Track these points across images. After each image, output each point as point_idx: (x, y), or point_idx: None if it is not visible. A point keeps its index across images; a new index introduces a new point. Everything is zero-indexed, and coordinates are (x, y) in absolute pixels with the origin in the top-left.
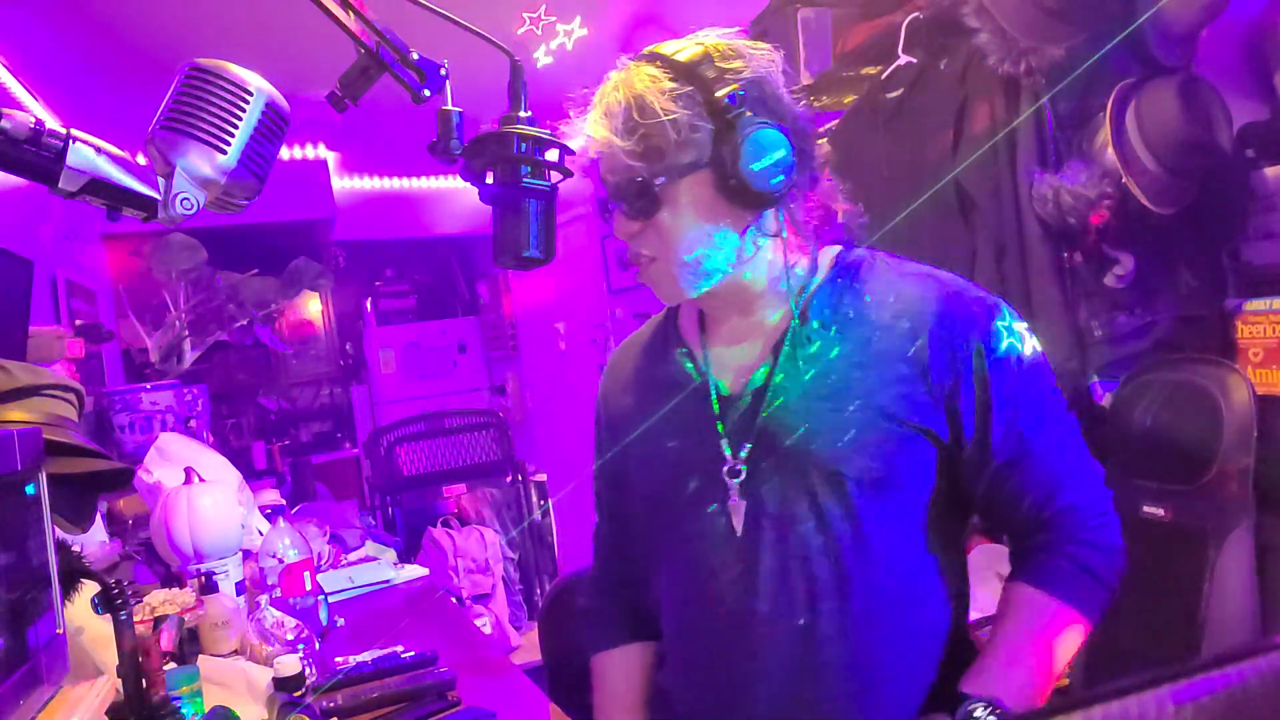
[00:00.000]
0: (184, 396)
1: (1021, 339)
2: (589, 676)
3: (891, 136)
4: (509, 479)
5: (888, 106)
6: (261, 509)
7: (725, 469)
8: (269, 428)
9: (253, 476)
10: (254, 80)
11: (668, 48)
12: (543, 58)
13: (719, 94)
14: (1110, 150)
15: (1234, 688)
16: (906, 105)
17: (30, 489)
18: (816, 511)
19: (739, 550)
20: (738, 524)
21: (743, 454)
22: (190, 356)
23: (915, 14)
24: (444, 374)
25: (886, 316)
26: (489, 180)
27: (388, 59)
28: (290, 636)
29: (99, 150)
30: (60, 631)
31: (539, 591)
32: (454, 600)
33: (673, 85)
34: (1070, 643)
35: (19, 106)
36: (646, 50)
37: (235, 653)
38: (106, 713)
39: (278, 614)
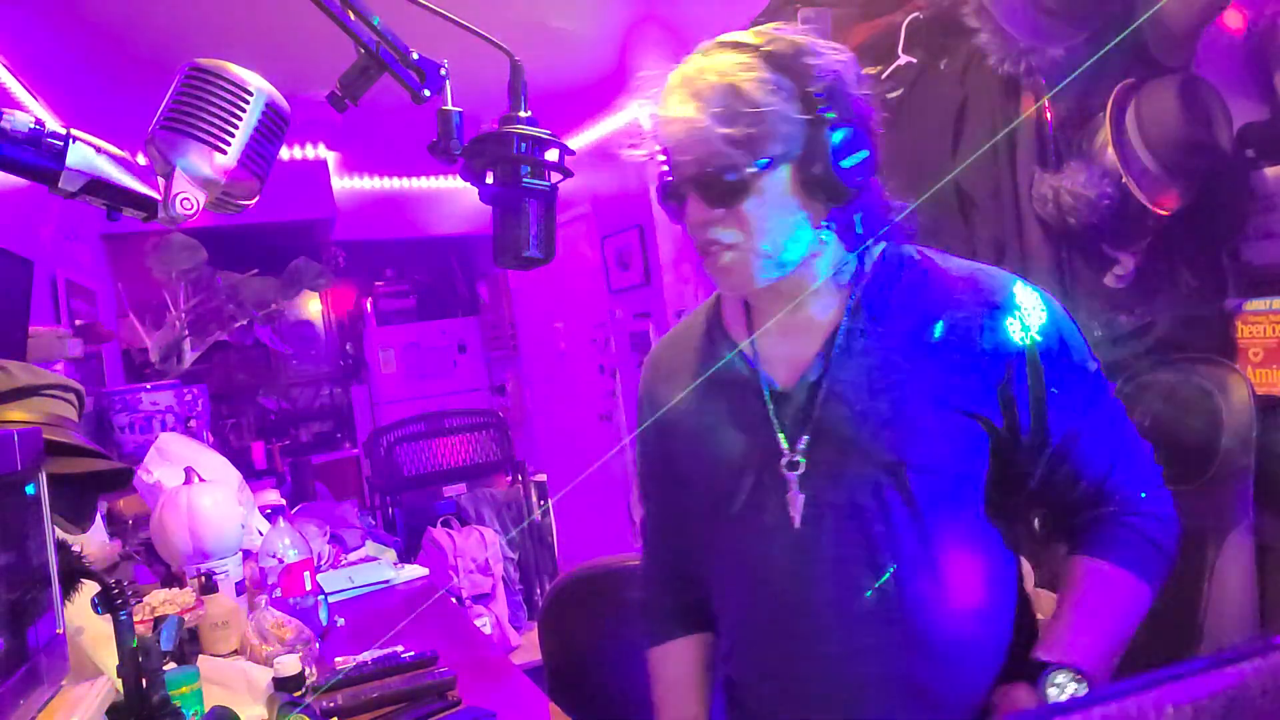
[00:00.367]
0: (184, 396)
1: (1067, 327)
2: (588, 676)
3: (891, 136)
4: (509, 479)
5: (887, 106)
6: (261, 509)
7: (784, 462)
8: (269, 428)
9: (253, 476)
10: (254, 80)
11: (753, 38)
12: None
13: (811, 89)
14: (1110, 150)
15: (1234, 688)
16: (906, 105)
17: (30, 489)
18: (878, 500)
19: (799, 542)
20: (795, 516)
21: (800, 447)
22: (190, 356)
23: (915, 14)
24: (444, 374)
25: (937, 309)
26: (489, 180)
27: (388, 59)
28: (290, 636)
29: (99, 150)
30: (60, 631)
31: (539, 591)
32: (454, 600)
33: (769, 76)
34: (1138, 610)
35: (19, 106)
36: (727, 39)
37: (235, 653)
38: (106, 713)
39: (278, 614)
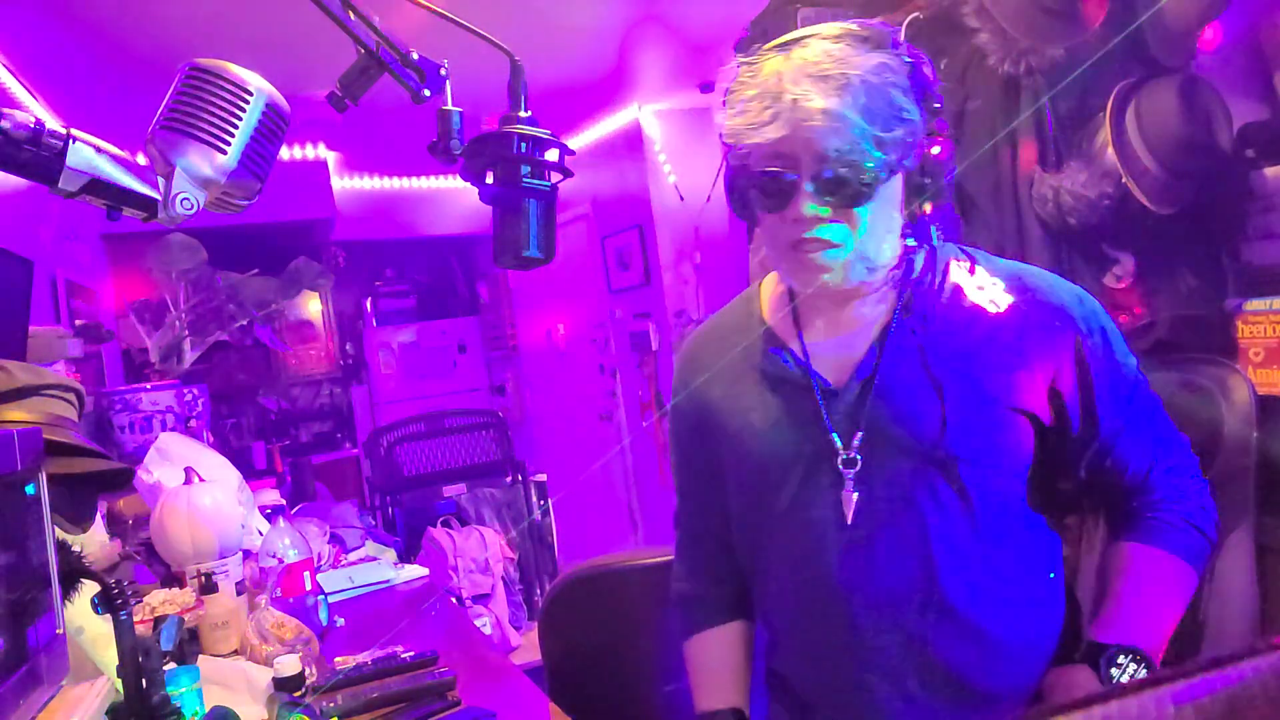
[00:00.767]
0: (184, 396)
1: (1109, 324)
2: (588, 676)
3: None
4: (509, 479)
5: None
6: (261, 509)
7: (840, 460)
8: (269, 428)
9: (253, 476)
10: (254, 80)
11: (880, 36)
12: None
13: (935, 104)
14: (1110, 150)
15: (1234, 688)
16: None
17: (30, 489)
18: (932, 495)
19: (853, 537)
20: (848, 512)
21: (855, 444)
22: (190, 356)
23: (915, 14)
24: (444, 374)
25: (985, 307)
26: (489, 180)
27: (388, 59)
28: (290, 636)
29: (99, 150)
30: (60, 631)
31: (539, 591)
32: (454, 600)
33: (908, 83)
34: (1186, 594)
35: (19, 106)
36: (855, 32)
37: (235, 653)
38: (106, 713)
39: (278, 614)
